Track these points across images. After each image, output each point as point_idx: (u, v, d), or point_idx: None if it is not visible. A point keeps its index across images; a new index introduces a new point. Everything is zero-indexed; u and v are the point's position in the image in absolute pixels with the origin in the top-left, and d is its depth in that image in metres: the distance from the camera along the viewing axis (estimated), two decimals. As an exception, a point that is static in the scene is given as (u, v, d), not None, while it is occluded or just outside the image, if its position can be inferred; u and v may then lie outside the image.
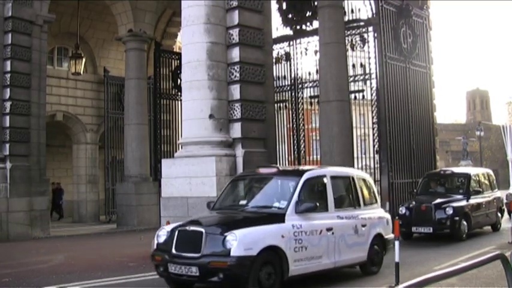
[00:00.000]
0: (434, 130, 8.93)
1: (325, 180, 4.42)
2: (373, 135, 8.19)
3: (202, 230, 3.36)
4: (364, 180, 4.97)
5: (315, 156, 9.71)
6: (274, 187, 4.35)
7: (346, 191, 4.78)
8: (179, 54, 9.73)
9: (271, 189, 4.35)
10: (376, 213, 4.93)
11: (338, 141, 6.98)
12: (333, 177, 4.52)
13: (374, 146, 8.12)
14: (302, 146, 9.10)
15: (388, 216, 5.07)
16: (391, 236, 4.85)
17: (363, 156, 8.96)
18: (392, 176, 7.87)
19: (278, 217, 3.83)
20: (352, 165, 7.15)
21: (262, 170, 4.43)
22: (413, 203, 7.14)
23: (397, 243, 4.08)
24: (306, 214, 4.02)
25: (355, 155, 8.03)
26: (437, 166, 8.81)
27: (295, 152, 9.13)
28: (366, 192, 4.92)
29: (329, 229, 4.13)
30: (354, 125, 8.57)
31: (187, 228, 3.47)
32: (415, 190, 7.75)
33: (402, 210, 7.09)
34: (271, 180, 4.35)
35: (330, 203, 4.34)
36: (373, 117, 8.20)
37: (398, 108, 8.37)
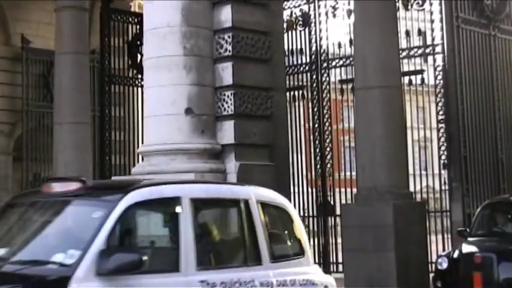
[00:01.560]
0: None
1: (178, 207, 3.39)
2: (439, 140, 8.17)
3: None
4: (276, 208, 4.03)
5: (347, 172, 9.80)
6: (64, 221, 3.37)
7: (227, 231, 3.95)
8: (140, 17, 9.75)
9: (58, 226, 3.35)
10: (302, 276, 3.84)
11: (383, 149, 7.00)
12: (198, 202, 3.54)
13: (440, 157, 8.12)
14: (328, 156, 9.21)
15: (329, 281, 4.13)
16: None
17: (423, 172, 9.06)
18: (469, 204, 7.84)
19: (54, 285, 2.84)
20: (406, 186, 7.10)
21: (52, 187, 3.39)
22: (462, 249, 6.53)
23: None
24: (119, 278, 2.95)
25: (410, 171, 7.95)
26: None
27: (318, 166, 9.25)
28: (278, 234, 4.05)
29: None
30: (408, 124, 8.58)
31: None
32: (462, 229, 7.20)
33: (441, 262, 6.58)
34: (65, 207, 3.37)
35: (185, 256, 3.27)
36: (438, 113, 8.19)
37: (479, 98, 8.29)
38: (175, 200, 3.42)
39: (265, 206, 3.90)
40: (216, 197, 3.80)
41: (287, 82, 9.12)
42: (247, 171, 6.83)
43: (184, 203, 3.40)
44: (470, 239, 6.83)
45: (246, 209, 3.75)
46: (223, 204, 3.91)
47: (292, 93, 9.78)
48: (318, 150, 9.34)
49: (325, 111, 9.37)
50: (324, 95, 9.47)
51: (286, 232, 4.17)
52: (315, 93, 9.50)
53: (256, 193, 3.93)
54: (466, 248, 6.51)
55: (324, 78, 9.49)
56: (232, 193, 3.89)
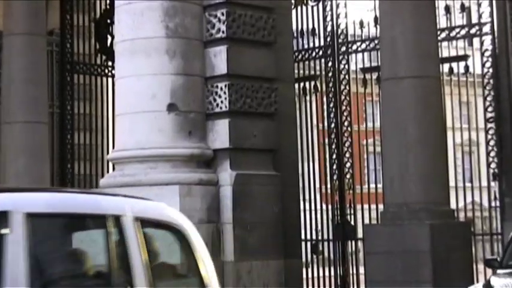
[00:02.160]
0: None
1: (3, 227, 2.95)
2: (488, 143, 8.24)
3: None
4: (166, 230, 3.58)
5: (371, 185, 9.75)
6: None
7: (84, 264, 3.26)
8: (110, -11, 10.57)
9: None
10: None
11: (417, 155, 7.00)
12: (38, 219, 3.03)
13: (489, 166, 8.17)
14: (347, 164, 9.26)
15: None
16: None
17: (467, 185, 8.98)
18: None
19: None
20: (446, 202, 7.11)
21: None
22: (490, 284, 6.23)
23: None
24: None
25: (451, 183, 7.96)
26: None
27: (335, 177, 9.28)
28: (167, 266, 3.62)
29: None
30: (449, 124, 8.68)
31: None
32: (493, 258, 6.97)
33: None
34: None
35: None
36: (486, 109, 8.24)
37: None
38: (1, 217, 2.97)
39: (148, 225, 3.43)
40: (69, 212, 3.24)
41: (296, 71, 9.13)
42: (245, 182, 6.92)
43: (15, 221, 2.95)
44: (500, 271, 6.60)
45: (116, 230, 3.27)
46: (80, 223, 3.36)
47: (302, 84, 9.78)
48: (334, 156, 9.31)
49: (343, 108, 9.32)
50: (343, 87, 9.36)
51: (180, 264, 3.74)
52: (331, 84, 9.40)
53: (135, 207, 3.44)
54: (494, 283, 6.20)
55: (342, 66, 9.43)
56: (97, 206, 3.36)
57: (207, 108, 7.14)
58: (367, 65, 9.62)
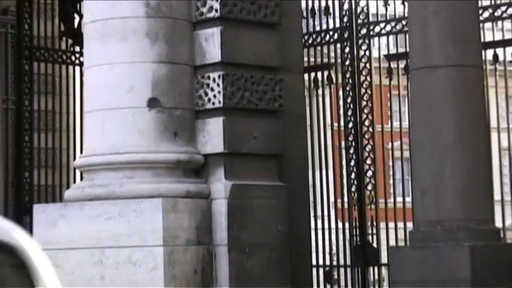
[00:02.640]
0: None
1: None
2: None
3: None
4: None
5: (398, 198, 9.65)
6: None
7: None
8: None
9: None
10: None
11: (455, 162, 6.99)
12: None
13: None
14: (369, 173, 9.21)
15: None
16: None
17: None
18: None
19: None
20: (490, 219, 7.01)
21: None
22: None
23: None
24: None
25: (496, 196, 7.89)
26: None
27: (353, 188, 9.24)
28: None
29: None
30: (493, 123, 8.71)
31: None
32: None
33: None
34: None
35: None
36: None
37: None
38: None
39: None
40: None
41: (305, 58, 9.09)
42: (243, 195, 6.87)
43: None
44: None
45: None
46: None
47: (313, 75, 9.72)
48: (353, 163, 9.21)
49: (364, 104, 9.22)
50: (363, 79, 9.27)
51: None
52: (348, 75, 9.35)
53: None
54: None
55: (362, 53, 9.33)
56: None
57: (196, 104, 7.04)
58: (392, 51, 9.50)
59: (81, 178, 7.80)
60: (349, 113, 9.41)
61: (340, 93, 9.69)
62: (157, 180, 6.82)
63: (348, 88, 9.45)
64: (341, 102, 9.69)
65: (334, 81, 9.72)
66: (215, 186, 6.95)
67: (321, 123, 9.88)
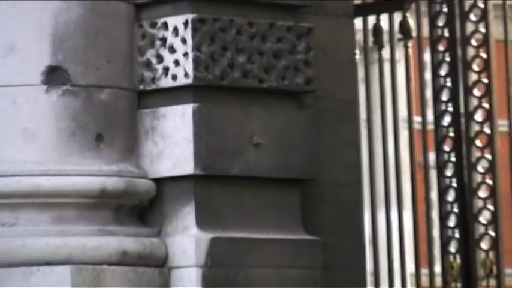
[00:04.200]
0: None
1: None
2: None
3: None
4: None
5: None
6: None
7: None
8: None
9: None
10: None
11: None
12: None
13: None
14: (485, 216, 8.88)
15: None
16: None
17: None
18: None
19: None
20: None
21: None
22: None
23: None
24: None
25: None
26: None
27: (452, 247, 8.95)
28: None
29: None
30: None
31: None
32: None
33: None
34: None
35: None
36: None
37: None
38: None
39: None
40: None
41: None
42: (235, 261, 6.57)
43: None
44: None
45: None
46: None
47: (373, 21, 9.08)
48: (452, 195, 8.80)
49: (473, 78, 8.71)
50: (472, 28, 8.62)
51: None
52: (441, 22, 8.79)
53: None
54: None
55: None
56: None
57: (140, 80, 6.47)
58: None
59: None
60: (444, 96, 8.70)
61: (426, 57, 8.95)
62: (61, 230, 6.33)
63: (441, 47, 8.76)
64: (427, 76, 8.94)
65: (412, 34, 8.96)
66: (178, 241, 6.46)
67: (388, 117, 9.06)
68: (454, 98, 9.17)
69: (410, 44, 9.48)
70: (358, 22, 9.07)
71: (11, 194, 6.75)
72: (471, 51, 9.15)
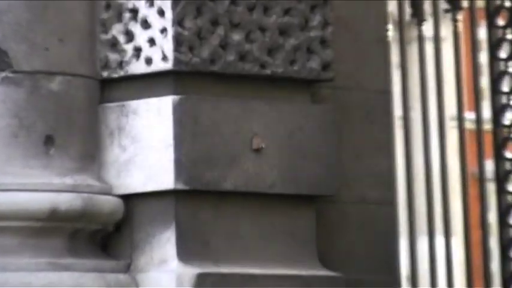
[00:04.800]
0: None
1: None
2: None
3: None
4: None
5: None
6: None
7: None
8: None
9: None
10: None
11: None
12: None
13: None
14: None
15: None
16: None
17: None
18: None
19: None
20: None
21: None
22: None
23: None
24: None
25: None
26: None
27: None
28: None
29: None
30: None
31: None
32: None
33: None
34: None
35: None
36: None
37: None
38: None
39: None
40: None
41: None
42: None
43: None
44: None
45: None
46: None
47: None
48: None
49: None
50: None
51: None
52: None
53: None
54: None
55: None
56: None
57: (104, 65, 6.38)
58: None
59: None
60: (505, 85, 8.60)
61: (482, 33, 8.79)
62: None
63: (500, 21, 8.91)
64: (483, 60, 8.65)
65: (464, 2, 8.78)
66: (153, 278, 6.39)
67: (431, 113, 9.03)
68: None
69: (460, 16, 9.02)
70: (391, -11, 7.51)
71: None
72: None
